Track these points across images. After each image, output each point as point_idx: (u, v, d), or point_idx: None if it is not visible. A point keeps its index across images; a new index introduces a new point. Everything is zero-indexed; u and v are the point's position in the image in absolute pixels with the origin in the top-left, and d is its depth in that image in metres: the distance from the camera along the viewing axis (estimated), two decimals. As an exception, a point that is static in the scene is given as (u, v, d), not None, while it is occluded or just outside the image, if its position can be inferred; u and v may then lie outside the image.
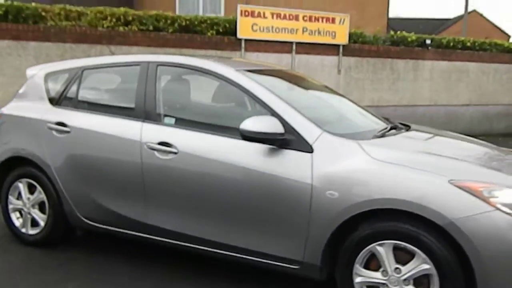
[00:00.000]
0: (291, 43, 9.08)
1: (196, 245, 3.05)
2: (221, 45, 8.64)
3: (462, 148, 3.24)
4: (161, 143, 3.06)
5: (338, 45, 9.46)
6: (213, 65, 3.16)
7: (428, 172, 2.49)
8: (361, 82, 9.92)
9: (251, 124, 2.70)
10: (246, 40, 8.73)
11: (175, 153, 3.01)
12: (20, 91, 3.86)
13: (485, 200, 2.37)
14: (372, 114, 3.70)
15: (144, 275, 3.23)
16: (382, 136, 3.03)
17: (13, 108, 3.80)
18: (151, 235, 3.20)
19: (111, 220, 3.33)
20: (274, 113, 2.84)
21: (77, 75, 3.61)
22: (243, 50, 8.73)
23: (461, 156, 2.88)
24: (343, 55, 9.59)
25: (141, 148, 3.11)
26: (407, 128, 3.44)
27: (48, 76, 3.74)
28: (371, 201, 2.52)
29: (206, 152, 2.94)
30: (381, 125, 3.38)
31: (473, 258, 2.35)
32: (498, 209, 2.34)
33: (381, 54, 9.97)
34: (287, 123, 2.79)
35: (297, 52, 9.20)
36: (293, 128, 2.77)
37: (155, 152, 3.06)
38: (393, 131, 3.25)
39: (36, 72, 3.83)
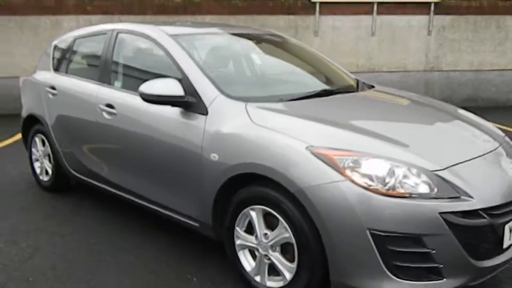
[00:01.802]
0: (372, 3, 8.52)
1: (137, 199, 3.34)
2: (294, 9, 8.52)
3: (383, 113, 2.93)
4: (107, 105, 3.37)
5: (429, 3, 8.57)
6: (149, 30, 3.31)
7: (292, 137, 2.35)
8: (456, 43, 8.87)
9: (146, 86, 2.80)
10: (321, 3, 8.46)
11: (115, 114, 3.30)
12: (40, 60, 4.51)
13: (337, 169, 2.17)
14: (338, 75, 3.51)
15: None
16: (299, 99, 2.89)
17: (33, 74, 4.48)
18: (114, 189, 3.57)
19: (89, 174, 3.78)
20: (183, 76, 2.91)
21: (71, 44, 4.10)
22: (317, 13, 8.49)
23: (364, 123, 2.63)
24: (435, 13, 8.66)
25: (95, 108, 3.46)
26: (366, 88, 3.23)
27: (55, 46, 4.31)
28: (241, 165, 2.50)
29: (135, 113, 3.16)
30: (322, 87, 3.20)
31: (321, 229, 2.21)
32: (350, 179, 2.14)
33: (485, 10, 8.74)
34: (192, 85, 2.85)
35: (379, 13, 8.61)
36: (195, 91, 2.83)
37: (103, 113, 3.39)
38: (337, 94, 3.08)
39: (52, 43, 4.44)
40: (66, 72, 4.04)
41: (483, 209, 2.18)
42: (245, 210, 2.54)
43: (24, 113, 4.47)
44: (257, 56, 3.62)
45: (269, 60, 3.69)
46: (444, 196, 2.15)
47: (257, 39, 3.79)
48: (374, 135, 2.40)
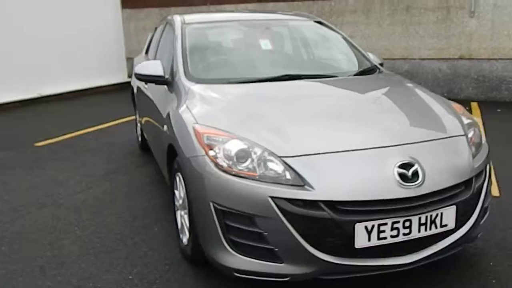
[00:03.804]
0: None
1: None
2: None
3: (310, 101, 2.87)
4: None
5: None
6: (176, 19, 3.82)
7: (191, 114, 2.66)
8: None
9: (138, 67, 3.36)
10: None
11: (146, 88, 4.04)
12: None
13: (202, 145, 2.40)
14: (338, 61, 3.47)
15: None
16: (248, 82, 3.08)
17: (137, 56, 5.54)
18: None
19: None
20: (173, 58, 3.39)
21: (153, 32, 4.95)
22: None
23: (270, 108, 2.68)
24: None
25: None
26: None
27: (152, 32, 5.24)
28: (169, 137, 2.87)
29: (153, 87, 3.76)
30: (287, 72, 3.24)
31: (188, 197, 2.51)
32: (208, 155, 2.32)
33: None
34: (172, 67, 3.31)
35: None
36: (173, 71, 3.28)
37: (144, 84, 4.15)
38: (299, 80, 3.15)
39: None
40: (146, 54, 4.95)
41: (325, 202, 2.09)
42: (176, 175, 2.92)
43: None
44: (262, 42, 3.77)
45: (266, 46, 3.78)
46: (286, 182, 2.14)
47: (273, 24, 3.94)
48: (263, 120, 2.49)
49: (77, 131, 6.27)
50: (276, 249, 2.16)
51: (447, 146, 2.46)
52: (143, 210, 3.59)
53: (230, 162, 2.26)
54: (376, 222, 2.12)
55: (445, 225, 2.26)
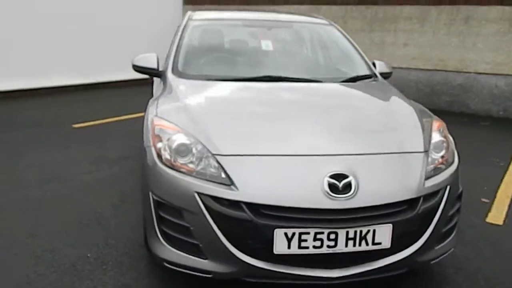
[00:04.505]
0: None
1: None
2: (511, -1, 7.22)
3: (279, 103, 2.87)
4: None
5: None
6: (190, 15, 3.95)
7: (155, 107, 2.73)
8: None
9: (135, 59, 3.50)
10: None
11: None
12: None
13: (152, 136, 2.47)
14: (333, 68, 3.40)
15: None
16: (226, 80, 3.12)
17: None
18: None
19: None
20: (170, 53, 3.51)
21: None
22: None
23: (233, 107, 2.74)
24: None
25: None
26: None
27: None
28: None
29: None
30: (270, 73, 3.22)
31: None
32: (154, 146, 2.40)
33: None
34: (167, 61, 3.43)
35: None
36: (166, 65, 3.40)
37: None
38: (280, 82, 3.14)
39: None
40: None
41: (247, 204, 2.08)
42: None
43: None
44: (262, 43, 3.75)
45: (266, 46, 3.75)
46: (216, 180, 2.16)
47: (278, 26, 3.91)
48: (215, 118, 2.53)
49: (116, 117, 6.64)
50: (201, 245, 2.19)
51: (396, 162, 2.33)
52: (135, 195, 3.75)
53: (172, 155, 2.32)
54: (297, 230, 2.07)
55: (379, 243, 2.16)
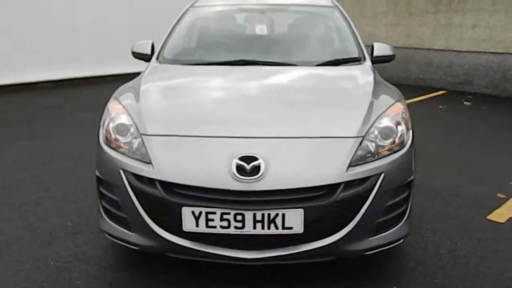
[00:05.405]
0: None
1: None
2: None
3: (243, 86, 2.92)
4: None
5: None
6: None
7: (120, 91, 2.91)
8: None
9: (134, 46, 3.68)
10: None
11: None
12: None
13: (104, 118, 2.63)
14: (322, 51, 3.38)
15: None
16: (202, 64, 3.21)
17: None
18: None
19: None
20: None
21: None
22: None
23: (188, 90, 2.83)
24: None
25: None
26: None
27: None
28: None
29: None
30: (247, 58, 3.22)
31: None
32: (103, 127, 2.57)
33: None
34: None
35: None
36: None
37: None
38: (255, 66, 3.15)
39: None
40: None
41: (160, 181, 2.17)
42: None
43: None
44: (257, 27, 3.72)
45: (261, 31, 3.70)
46: (140, 158, 2.28)
47: (273, 10, 3.85)
48: (163, 102, 2.68)
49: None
50: (128, 219, 2.34)
51: (318, 147, 2.25)
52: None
53: (114, 135, 2.48)
54: (204, 210, 2.12)
55: (290, 228, 2.12)
